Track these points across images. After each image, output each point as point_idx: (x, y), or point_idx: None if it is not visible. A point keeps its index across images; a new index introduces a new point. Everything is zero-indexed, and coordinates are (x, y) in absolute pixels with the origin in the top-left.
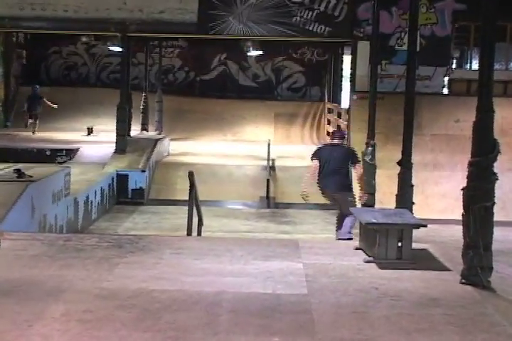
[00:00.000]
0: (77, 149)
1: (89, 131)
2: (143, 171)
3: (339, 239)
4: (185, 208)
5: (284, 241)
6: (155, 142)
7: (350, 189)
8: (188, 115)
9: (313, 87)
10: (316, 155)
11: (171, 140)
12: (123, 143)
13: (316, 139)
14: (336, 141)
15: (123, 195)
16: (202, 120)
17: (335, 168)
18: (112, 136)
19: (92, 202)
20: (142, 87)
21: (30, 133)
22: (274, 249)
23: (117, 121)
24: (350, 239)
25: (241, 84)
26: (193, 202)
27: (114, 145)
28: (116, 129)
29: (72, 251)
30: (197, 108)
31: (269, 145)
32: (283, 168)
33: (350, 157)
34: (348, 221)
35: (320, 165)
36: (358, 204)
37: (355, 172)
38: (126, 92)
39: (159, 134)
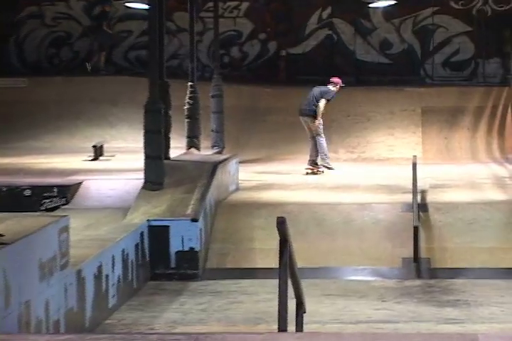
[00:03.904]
0: (78, 185)
1: (97, 151)
2: (194, 220)
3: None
4: (272, 282)
5: (452, 337)
6: (213, 168)
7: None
8: (267, 117)
9: (489, 60)
10: None
11: (241, 163)
12: (157, 171)
13: (498, 152)
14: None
15: (161, 262)
16: (292, 125)
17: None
18: (138, 160)
19: (108, 278)
20: (186, 71)
21: None
22: None
23: (145, 132)
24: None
25: (360, 59)
26: (287, 271)
27: (141, 175)
28: (145, 147)
29: None
30: (283, 104)
31: (414, 165)
32: (442, 207)
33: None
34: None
35: None
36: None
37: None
38: (160, 82)
39: (219, 153)
